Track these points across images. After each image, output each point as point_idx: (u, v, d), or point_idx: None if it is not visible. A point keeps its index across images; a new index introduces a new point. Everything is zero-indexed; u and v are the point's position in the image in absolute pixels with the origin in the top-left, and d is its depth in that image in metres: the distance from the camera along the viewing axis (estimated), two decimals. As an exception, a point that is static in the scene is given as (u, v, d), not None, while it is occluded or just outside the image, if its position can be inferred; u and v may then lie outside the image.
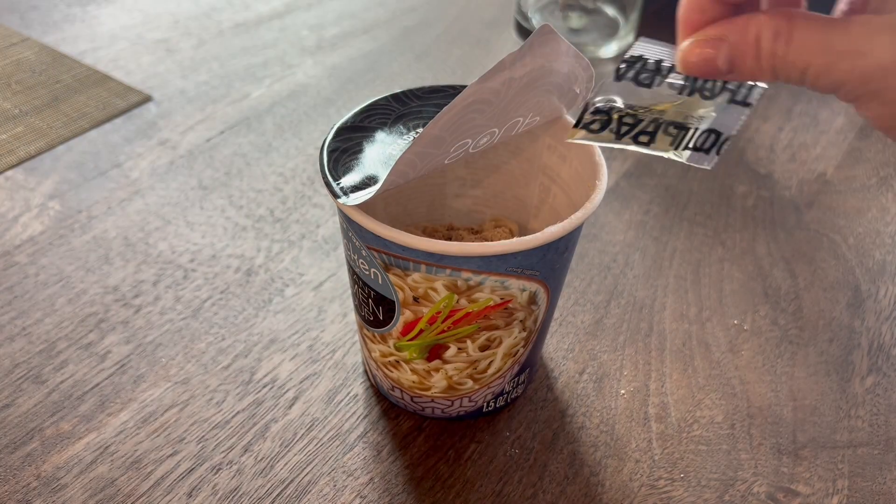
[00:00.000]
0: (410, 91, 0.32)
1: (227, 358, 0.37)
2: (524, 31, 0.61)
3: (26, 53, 0.56)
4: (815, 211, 0.47)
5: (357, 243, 0.29)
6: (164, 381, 0.35)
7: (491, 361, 0.32)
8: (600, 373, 0.37)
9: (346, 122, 0.31)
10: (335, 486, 0.32)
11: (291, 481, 0.32)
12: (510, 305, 0.29)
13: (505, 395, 0.34)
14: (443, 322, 0.29)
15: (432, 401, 0.33)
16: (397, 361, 0.32)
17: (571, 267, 0.42)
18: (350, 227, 0.29)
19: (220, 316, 0.38)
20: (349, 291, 0.40)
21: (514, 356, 0.32)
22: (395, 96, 0.32)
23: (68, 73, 0.55)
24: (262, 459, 0.33)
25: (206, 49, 0.59)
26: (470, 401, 0.33)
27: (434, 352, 0.31)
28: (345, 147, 0.29)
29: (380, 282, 0.29)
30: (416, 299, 0.29)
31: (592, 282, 0.42)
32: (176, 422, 0.34)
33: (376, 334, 0.32)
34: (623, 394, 0.36)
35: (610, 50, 0.60)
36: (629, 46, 0.61)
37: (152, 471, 0.32)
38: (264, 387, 0.35)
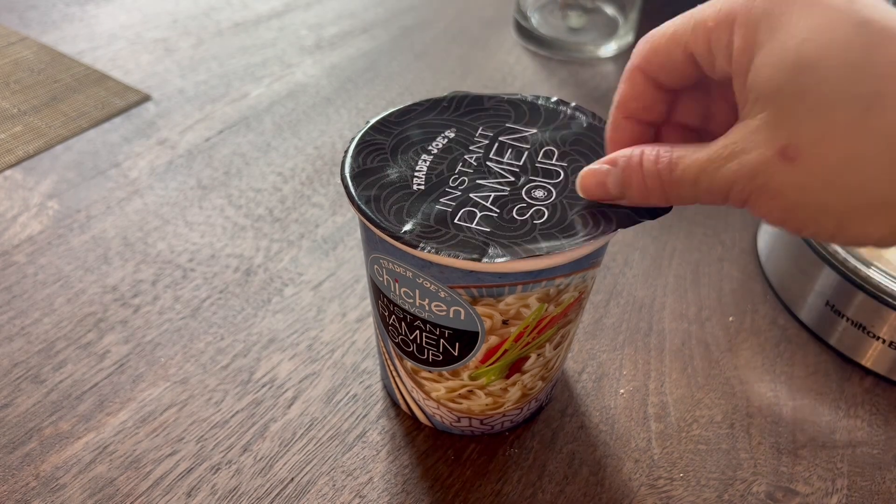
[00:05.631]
0: (384, 119, 0.31)
1: (226, 357, 0.37)
2: (523, 31, 0.61)
3: (25, 53, 0.56)
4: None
5: (433, 287, 0.27)
6: (162, 381, 0.35)
7: (559, 355, 0.31)
8: (599, 372, 0.37)
9: (354, 169, 0.28)
10: (334, 485, 0.32)
11: (290, 481, 0.32)
12: (583, 296, 0.29)
13: (556, 383, 0.34)
14: (529, 335, 0.28)
15: (503, 415, 0.33)
16: (470, 391, 0.31)
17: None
18: (424, 273, 0.27)
19: (218, 315, 0.38)
20: (348, 291, 0.40)
21: (572, 342, 0.32)
22: (374, 128, 0.30)
23: (67, 73, 0.55)
24: (261, 459, 0.33)
25: (204, 48, 0.59)
26: (536, 401, 0.33)
27: (515, 366, 0.30)
28: (375, 195, 0.27)
29: (462, 318, 0.27)
30: (505, 322, 0.28)
31: (592, 281, 0.42)
32: (175, 421, 0.34)
33: (444, 373, 0.30)
34: (622, 393, 0.36)
35: (609, 49, 0.60)
36: (628, 47, 0.61)
37: (151, 470, 0.32)
38: (263, 386, 0.35)
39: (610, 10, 0.62)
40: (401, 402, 0.34)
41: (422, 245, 0.25)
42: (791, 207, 0.20)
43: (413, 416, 0.35)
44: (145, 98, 0.53)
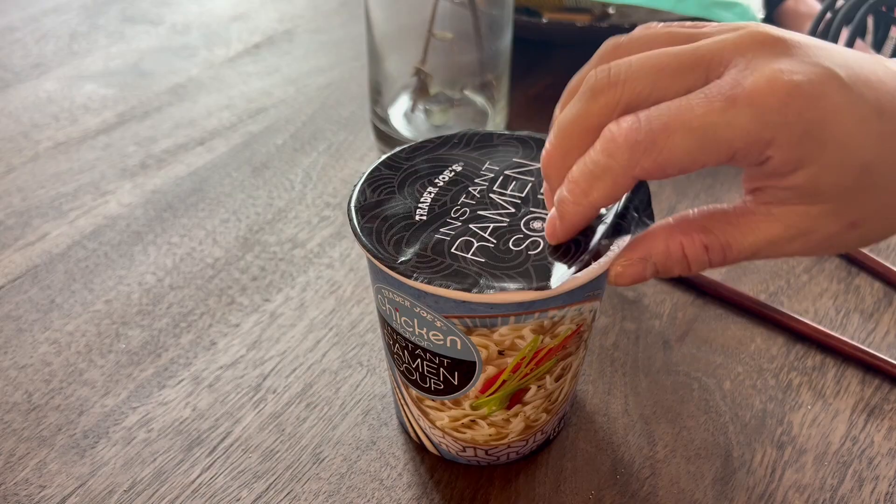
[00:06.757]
0: (395, 155, 0.32)
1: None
2: (383, 136, 0.55)
3: None
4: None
5: (429, 317, 0.27)
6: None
7: (562, 388, 0.31)
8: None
9: (360, 202, 0.30)
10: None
11: None
12: (581, 329, 0.29)
13: (565, 418, 0.34)
14: (527, 366, 0.29)
15: (508, 447, 0.32)
16: (472, 421, 0.31)
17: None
18: (420, 302, 0.27)
19: None
20: None
21: (577, 375, 0.32)
22: (384, 164, 0.32)
23: None
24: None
25: (10, 179, 0.52)
26: (542, 433, 0.33)
27: (515, 397, 0.30)
28: (378, 227, 0.28)
29: (458, 347, 0.28)
30: (500, 352, 0.28)
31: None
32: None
33: (446, 402, 0.30)
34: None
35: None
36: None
37: None
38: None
39: (479, 100, 0.56)
40: (410, 430, 0.34)
41: (415, 275, 0.26)
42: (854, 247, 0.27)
43: (422, 445, 0.34)
44: (-77, 248, 0.46)
